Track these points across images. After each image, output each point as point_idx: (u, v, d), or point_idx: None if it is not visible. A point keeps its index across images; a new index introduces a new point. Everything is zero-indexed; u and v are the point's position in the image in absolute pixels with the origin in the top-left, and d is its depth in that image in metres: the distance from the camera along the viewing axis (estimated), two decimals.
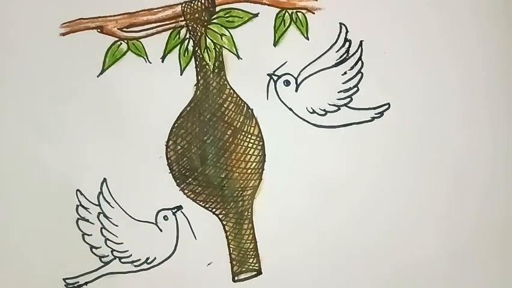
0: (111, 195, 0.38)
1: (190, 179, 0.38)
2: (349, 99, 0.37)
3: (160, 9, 0.38)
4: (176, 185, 0.38)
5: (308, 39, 0.37)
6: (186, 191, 0.38)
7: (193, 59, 0.38)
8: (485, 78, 0.37)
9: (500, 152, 0.38)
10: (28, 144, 0.38)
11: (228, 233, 0.38)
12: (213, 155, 0.38)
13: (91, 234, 0.38)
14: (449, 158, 0.38)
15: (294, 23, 0.37)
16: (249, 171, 0.38)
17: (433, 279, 0.38)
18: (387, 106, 0.37)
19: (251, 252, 0.38)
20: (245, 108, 0.38)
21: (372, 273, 0.38)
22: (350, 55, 0.37)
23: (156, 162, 0.38)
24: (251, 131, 0.38)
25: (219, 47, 0.38)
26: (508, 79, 0.37)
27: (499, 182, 0.38)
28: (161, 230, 0.36)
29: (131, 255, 0.39)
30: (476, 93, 0.37)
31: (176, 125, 0.38)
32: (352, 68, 0.37)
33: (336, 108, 0.38)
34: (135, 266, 0.39)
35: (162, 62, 0.38)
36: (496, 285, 0.38)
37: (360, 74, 0.37)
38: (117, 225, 0.38)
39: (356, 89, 0.37)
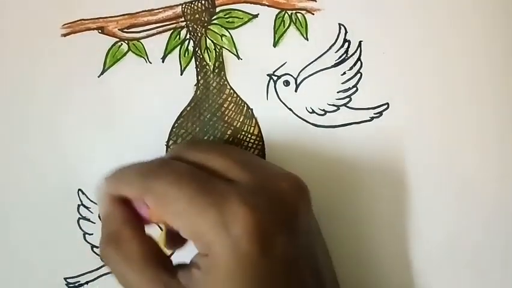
0: None
1: None
2: (348, 99, 0.38)
3: (160, 10, 0.38)
4: None
5: (308, 40, 0.37)
6: None
7: (193, 59, 0.38)
8: (486, 78, 0.37)
9: (501, 152, 0.38)
10: (29, 144, 0.38)
11: None
12: None
13: (92, 234, 0.38)
14: (449, 158, 0.38)
15: (294, 23, 0.37)
16: None
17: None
18: (386, 106, 0.37)
19: None
20: (245, 108, 0.38)
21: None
22: (349, 55, 0.37)
23: None
24: (251, 131, 0.38)
25: (219, 47, 0.38)
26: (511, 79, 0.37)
27: (500, 182, 0.38)
28: (161, 229, 0.36)
29: None
30: (477, 93, 0.37)
31: (176, 125, 0.38)
32: (351, 68, 0.37)
33: (336, 108, 0.38)
34: None
35: (162, 62, 0.38)
36: None
37: (359, 74, 0.37)
38: None
39: (355, 89, 0.38)
